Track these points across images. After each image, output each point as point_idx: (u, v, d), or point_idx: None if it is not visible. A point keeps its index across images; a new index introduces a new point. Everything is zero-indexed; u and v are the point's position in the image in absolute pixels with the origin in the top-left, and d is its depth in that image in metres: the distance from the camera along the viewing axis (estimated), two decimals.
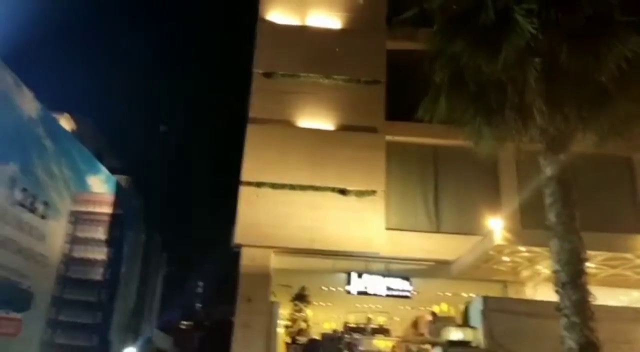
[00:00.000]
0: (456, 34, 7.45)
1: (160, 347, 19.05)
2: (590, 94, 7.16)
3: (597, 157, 12.51)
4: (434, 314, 14.06)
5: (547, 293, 10.83)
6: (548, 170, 7.45)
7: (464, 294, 14.68)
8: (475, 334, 9.29)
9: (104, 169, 13.36)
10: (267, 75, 15.29)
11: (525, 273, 13.19)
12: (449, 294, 15.27)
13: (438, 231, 14.47)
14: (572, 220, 7.20)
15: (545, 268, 12.46)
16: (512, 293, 13.45)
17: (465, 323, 9.93)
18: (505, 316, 9.12)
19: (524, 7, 6.99)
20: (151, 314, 18.22)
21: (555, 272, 7.17)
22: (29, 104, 10.12)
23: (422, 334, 13.96)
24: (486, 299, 9.77)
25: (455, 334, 9.37)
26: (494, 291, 14.01)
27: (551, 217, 7.31)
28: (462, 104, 8.03)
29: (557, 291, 7.11)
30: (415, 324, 17.10)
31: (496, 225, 11.96)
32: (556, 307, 7.06)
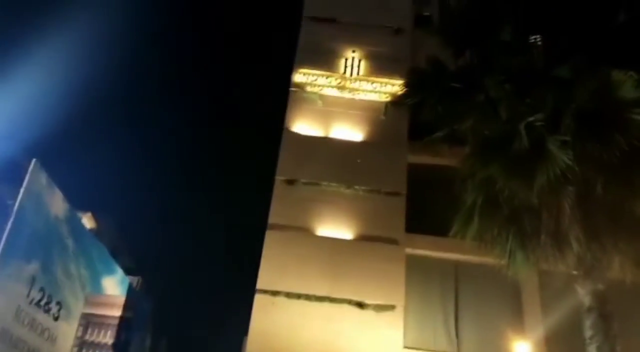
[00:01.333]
0: (490, 159, 7.75)
1: None
2: (627, 224, 7.28)
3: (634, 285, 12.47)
4: None
5: None
6: (587, 300, 7.37)
7: None
8: None
9: (119, 269, 13.32)
10: (290, 182, 15.63)
11: None
12: None
13: None
14: None
15: None
16: None
17: None
18: None
19: (558, 138, 7.31)
20: None
21: None
22: (57, 204, 10.34)
23: None
24: None
25: None
26: None
27: (592, 350, 7.10)
28: (496, 226, 8.17)
29: None
30: None
31: (522, 350, 11.58)
32: None
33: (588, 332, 7.22)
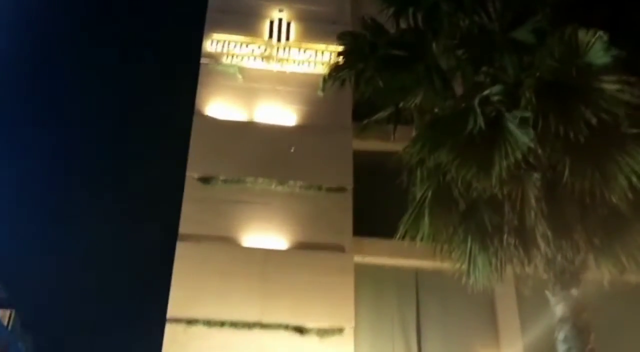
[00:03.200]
0: (440, 143, 7.96)
1: None
2: (602, 217, 7.65)
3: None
4: None
5: None
6: (559, 310, 7.73)
7: None
8: None
9: None
10: (205, 180, 15.58)
11: None
12: None
13: None
14: None
15: None
16: None
17: None
18: None
19: (517, 114, 7.60)
20: None
21: None
22: None
23: None
24: None
25: None
26: None
27: None
28: (451, 224, 8.43)
29: None
30: None
31: None
32: None
33: (562, 347, 7.58)
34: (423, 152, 8.17)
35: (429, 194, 8.37)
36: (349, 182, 15.85)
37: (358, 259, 15.13)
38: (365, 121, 10.19)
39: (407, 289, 15.31)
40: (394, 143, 16.09)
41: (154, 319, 15.08)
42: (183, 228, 15.03)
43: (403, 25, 9.27)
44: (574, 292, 7.75)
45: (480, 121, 7.84)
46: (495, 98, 7.90)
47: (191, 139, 15.93)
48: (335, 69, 9.55)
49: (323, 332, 14.15)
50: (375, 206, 15.92)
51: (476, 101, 8.05)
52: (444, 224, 8.44)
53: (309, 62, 17.14)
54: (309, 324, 14.21)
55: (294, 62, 17.14)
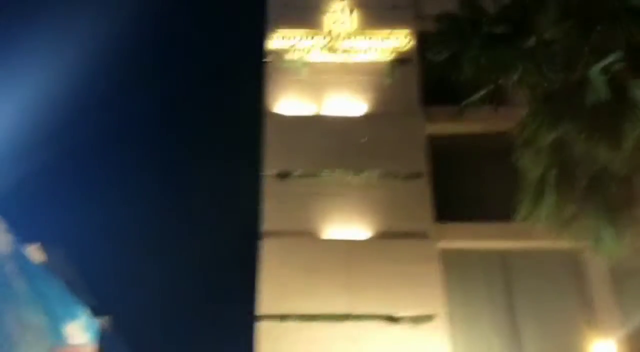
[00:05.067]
0: (561, 116, 7.66)
1: None
2: None
3: None
4: None
5: None
6: None
7: None
8: None
9: (84, 311, 12.98)
10: (282, 176, 15.43)
11: None
12: None
13: None
14: None
15: None
16: None
17: None
18: None
19: None
20: None
21: None
22: None
23: None
24: None
25: None
26: None
27: None
28: (575, 201, 8.10)
29: None
30: None
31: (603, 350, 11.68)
32: None
33: None
34: (542, 128, 7.85)
35: (552, 171, 8.05)
36: (424, 168, 15.53)
37: (442, 244, 14.85)
38: (463, 103, 9.86)
39: (495, 272, 14.98)
40: (466, 124, 16.12)
41: (240, 318, 15.02)
42: (266, 225, 14.92)
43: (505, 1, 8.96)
44: None
45: (604, 91, 7.52)
46: (617, 66, 7.57)
47: (265, 136, 15.81)
48: (434, 50, 9.28)
49: (415, 320, 13.91)
50: (455, 190, 15.62)
51: (594, 71, 7.71)
52: (567, 202, 8.12)
53: (374, 50, 16.86)
54: (400, 312, 13.97)
55: (359, 51, 16.88)
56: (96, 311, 13.81)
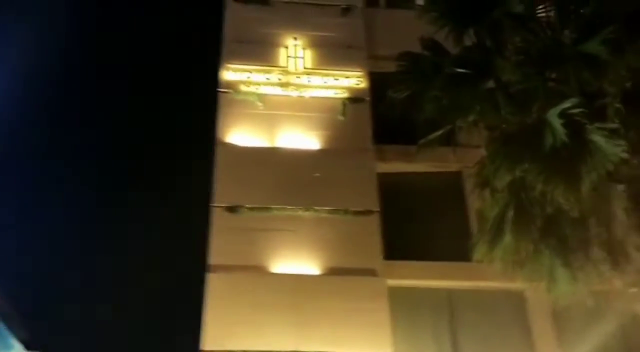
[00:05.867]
0: (521, 158, 7.72)
1: None
2: None
3: None
4: None
5: None
6: None
7: None
8: None
9: (16, 344, 12.33)
10: (231, 209, 15.13)
11: None
12: None
13: None
14: None
15: None
16: None
17: None
18: None
19: (603, 126, 7.41)
20: None
21: None
22: None
23: None
24: None
25: None
26: None
27: None
28: (530, 241, 8.14)
29: None
30: None
31: None
32: None
33: None
34: (502, 168, 7.90)
35: (510, 212, 8.07)
36: (374, 205, 15.50)
37: (391, 282, 14.75)
38: (420, 142, 9.88)
39: (441, 311, 14.95)
40: (417, 164, 16.24)
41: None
42: (213, 259, 14.54)
43: (466, 43, 9.06)
44: None
45: (562, 135, 7.63)
46: (576, 110, 7.71)
47: (215, 168, 15.51)
48: (395, 88, 9.29)
49: None
50: (404, 229, 15.64)
51: (552, 114, 7.84)
52: (523, 243, 8.14)
53: (327, 88, 16.90)
54: (347, 350, 13.77)
55: (312, 88, 16.88)
56: (29, 345, 13.13)
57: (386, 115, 12.10)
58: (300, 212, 15.33)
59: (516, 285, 10.42)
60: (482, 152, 8.65)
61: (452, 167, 15.74)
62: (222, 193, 15.25)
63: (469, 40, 9.06)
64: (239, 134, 16.15)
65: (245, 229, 14.98)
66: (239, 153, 15.90)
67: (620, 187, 7.59)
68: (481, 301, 14.94)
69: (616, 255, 7.57)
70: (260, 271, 14.63)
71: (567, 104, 7.72)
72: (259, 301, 14.15)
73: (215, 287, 14.20)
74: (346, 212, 15.44)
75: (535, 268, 8.29)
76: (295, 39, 17.39)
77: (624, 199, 7.50)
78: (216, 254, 14.61)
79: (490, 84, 8.66)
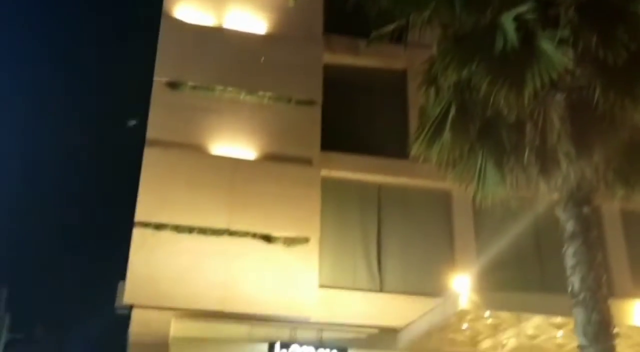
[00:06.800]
0: (470, 59, 7.67)
1: None
2: (624, 142, 7.70)
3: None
4: None
5: None
6: (570, 226, 7.82)
7: None
8: None
9: None
10: (172, 85, 14.75)
11: (485, 344, 13.66)
12: None
13: (381, 290, 14.59)
14: (600, 286, 7.59)
15: (510, 337, 13.04)
16: None
17: None
18: None
19: (554, 33, 7.39)
20: None
21: (581, 347, 7.48)
22: None
23: None
24: None
25: None
26: None
27: (574, 281, 7.65)
28: (468, 142, 8.24)
29: None
30: None
31: (461, 285, 12.30)
32: None
33: (570, 261, 7.71)
34: (451, 68, 7.83)
35: (452, 111, 8.10)
36: (318, 96, 15.38)
37: (324, 172, 14.92)
38: (371, 36, 9.66)
39: (369, 203, 15.32)
40: (363, 58, 16.07)
41: (124, 223, 14.41)
42: (151, 133, 14.27)
43: None
44: (586, 209, 7.85)
45: (513, 39, 7.58)
46: (529, 16, 7.63)
47: (159, 41, 14.91)
48: None
49: (290, 241, 14.03)
50: (344, 122, 15.67)
51: (506, 18, 7.75)
52: (461, 142, 8.24)
53: None
54: (276, 232, 14.02)
55: None
56: None
57: (338, 4, 11.72)
58: (242, 96, 15.08)
59: (444, 184, 10.61)
60: (432, 51, 8.53)
61: (399, 65, 15.69)
62: (164, 67, 14.78)
63: None
64: (186, 9, 15.46)
65: (186, 106, 14.71)
66: (185, 29, 15.31)
67: (560, 96, 7.68)
68: (409, 198, 15.37)
69: (546, 161, 7.77)
70: (198, 150, 14.51)
71: (522, 8, 7.62)
72: (194, 179, 14.14)
73: (151, 161, 14.05)
74: (289, 100, 15.29)
75: (468, 168, 8.42)
76: None
77: (561, 108, 7.62)
78: (154, 128, 14.35)
79: None
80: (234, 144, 14.69)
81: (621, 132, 7.69)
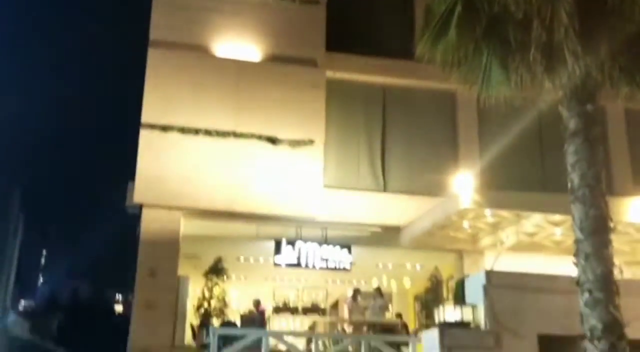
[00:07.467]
0: None
1: (17, 335, 17.90)
2: (632, 37, 7.51)
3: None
4: (356, 290, 14.63)
5: (509, 264, 11.67)
6: (572, 124, 7.78)
7: (417, 266, 15.37)
8: (474, 313, 9.72)
9: None
10: None
11: (485, 241, 13.96)
12: (392, 266, 15.86)
13: (385, 190, 14.75)
14: (599, 182, 7.63)
15: (510, 235, 13.29)
16: (469, 264, 14.18)
17: (458, 301, 10.34)
18: (510, 292, 9.61)
19: None
20: (5, 293, 16.92)
21: (577, 242, 7.59)
22: None
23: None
24: (489, 274, 10.21)
25: (451, 314, 9.73)
26: (448, 262, 14.74)
27: (574, 178, 7.68)
28: (473, 40, 8.06)
29: (577, 264, 7.56)
30: (335, 305, 17.72)
31: (463, 184, 12.44)
32: (576, 281, 7.52)
33: (571, 159, 7.70)
34: None
35: (458, 8, 7.84)
36: None
37: (329, 74, 14.71)
38: None
39: (374, 105, 15.22)
40: None
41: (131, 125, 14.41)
42: (154, 34, 14.01)
43: None
44: (589, 107, 7.78)
45: None
46: None
47: None
48: None
49: (295, 143, 14.05)
50: (349, 21, 15.31)
51: None
52: (466, 41, 8.03)
53: None
54: (281, 134, 14.01)
55: None
56: None
57: None
58: None
59: (449, 85, 10.51)
60: None
61: None
62: None
63: None
64: None
65: (189, 6, 14.37)
66: None
67: None
68: (413, 98, 15.24)
69: (552, 58, 7.61)
70: (202, 51, 14.28)
71: None
72: (200, 81, 13.99)
73: (155, 63, 13.87)
74: None
75: (472, 68, 8.27)
76: None
77: (569, 4, 7.38)
78: (157, 29, 14.08)
79: None
80: (238, 45, 14.45)
81: (629, 26, 7.46)
